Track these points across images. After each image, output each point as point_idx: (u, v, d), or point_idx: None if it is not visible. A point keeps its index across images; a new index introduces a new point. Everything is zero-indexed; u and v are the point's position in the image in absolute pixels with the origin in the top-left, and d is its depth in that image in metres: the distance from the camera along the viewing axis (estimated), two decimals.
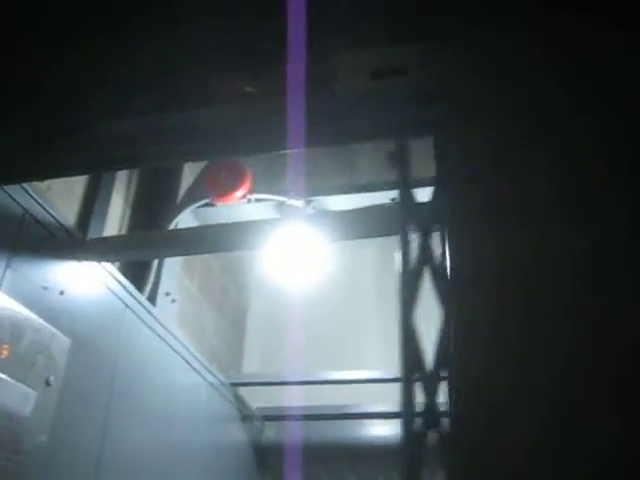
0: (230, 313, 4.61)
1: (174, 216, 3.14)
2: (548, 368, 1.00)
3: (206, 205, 3.21)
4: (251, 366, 4.70)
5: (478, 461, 0.96)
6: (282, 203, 3.13)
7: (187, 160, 2.83)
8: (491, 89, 1.33)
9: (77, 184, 2.76)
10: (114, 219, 3.08)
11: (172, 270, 3.15)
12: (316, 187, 3.11)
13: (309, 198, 3.09)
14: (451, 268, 1.08)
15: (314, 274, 4.38)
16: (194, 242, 2.48)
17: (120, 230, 3.11)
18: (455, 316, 1.06)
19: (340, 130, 1.51)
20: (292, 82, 1.49)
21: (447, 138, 1.25)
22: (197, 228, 2.94)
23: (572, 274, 1.05)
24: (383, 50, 1.41)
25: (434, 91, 1.38)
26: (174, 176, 3.47)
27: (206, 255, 4.15)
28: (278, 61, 1.45)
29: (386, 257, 4.71)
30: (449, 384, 1.03)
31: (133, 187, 3.33)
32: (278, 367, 4.51)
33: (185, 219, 3.22)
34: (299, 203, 3.07)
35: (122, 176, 3.14)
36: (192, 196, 3.23)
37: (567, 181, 1.15)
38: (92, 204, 2.78)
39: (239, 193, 3.09)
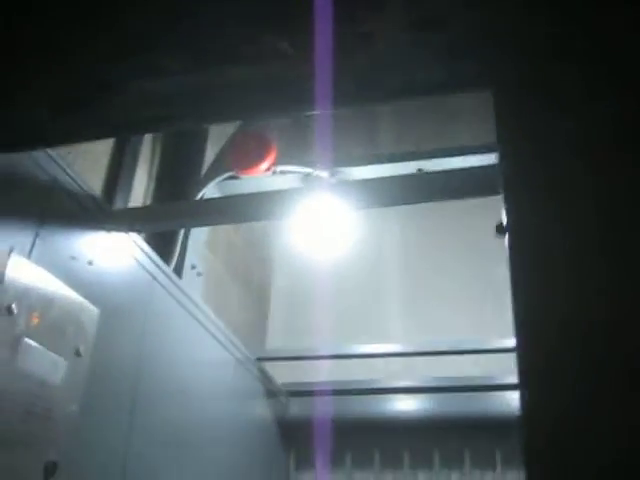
0: (254, 288, 4.60)
1: (199, 189, 3.11)
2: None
3: (230, 178, 3.18)
4: (275, 342, 4.69)
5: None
6: (308, 175, 3.09)
7: (217, 121, 2.79)
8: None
9: (102, 156, 2.74)
10: (138, 193, 3.06)
11: (197, 243, 3.13)
12: (341, 158, 3.07)
13: (335, 169, 3.05)
14: (511, 238, 1.04)
15: (338, 247, 4.34)
16: (222, 211, 2.44)
17: (144, 203, 3.10)
18: (516, 290, 1.03)
19: (375, 88, 1.47)
20: (322, 39, 1.45)
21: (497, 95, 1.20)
22: (225, 198, 2.91)
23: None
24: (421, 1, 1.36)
25: (474, 44, 1.34)
26: (198, 149, 3.44)
27: (230, 231, 4.14)
28: (307, 16, 1.40)
29: (410, 228, 4.66)
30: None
31: (156, 161, 3.31)
32: (303, 343, 4.50)
33: (209, 193, 3.19)
34: (325, 174, 3.03)
35: (145, 150, 3.12)
36: (216, 169, 3.20)
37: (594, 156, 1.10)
38: (117, 176, 2.76)
39: (264, 165, 3.06)
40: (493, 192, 2.57)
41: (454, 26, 1.31)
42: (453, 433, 3.86)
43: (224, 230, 4.01)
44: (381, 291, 4.72)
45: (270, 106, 1.57)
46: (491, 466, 3.74)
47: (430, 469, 3.80)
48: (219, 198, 2.93)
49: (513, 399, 3.90)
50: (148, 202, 3.11)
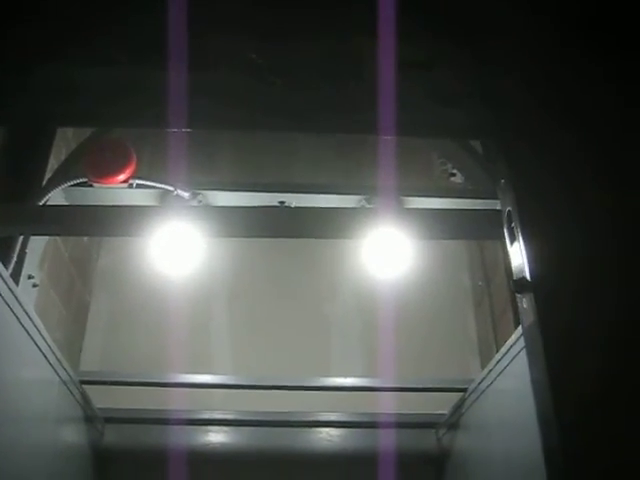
0: (74, 306, 4.29)
1: (45, 192, 2.85)
2: None
3: (80, 184, 2.95)
4: (89, 364, 4.38)
5: None
6: (167, 193, 2.96)
7: None
8: None
9: None
10: None
11: (36, 251, 2.86)
12: (205, 181, 2.99)
13: (196, 191, 2.95)
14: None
15: (169, 271, 4.16)
16: (81, 222, 2.25)
17: None
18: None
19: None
20: None
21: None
22: (88, 208, 2.68)
23: None
24: None
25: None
26: (41, 151, 3.16)
27: (59, 242, 3.84)
28: None
29: (242, 256, 4.60)
30: None
31: None
32: (118, 367, 4.27)
33: (54, 197, 2.94)
34: (186, 195, 2.93)
35: None
36: (66, 173, 2.96)
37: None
38: None
39: (122, 176, 2.88)
40: (352, 236, 2.63)
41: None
42: (272, 468, 3.82)
43: (53, 240, 3.71)
44: (206, 320, 4.61)
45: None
46: None
47: None
48: (80, 206, 2.70)
49: (335, 436, 3.97)
50: None
